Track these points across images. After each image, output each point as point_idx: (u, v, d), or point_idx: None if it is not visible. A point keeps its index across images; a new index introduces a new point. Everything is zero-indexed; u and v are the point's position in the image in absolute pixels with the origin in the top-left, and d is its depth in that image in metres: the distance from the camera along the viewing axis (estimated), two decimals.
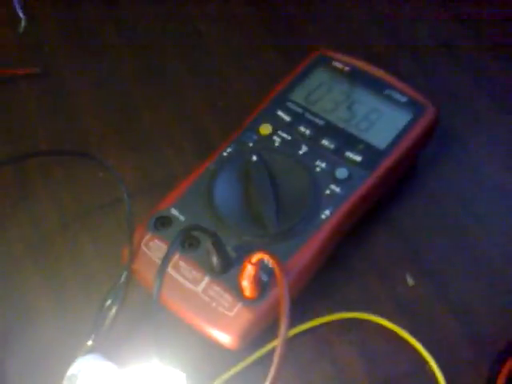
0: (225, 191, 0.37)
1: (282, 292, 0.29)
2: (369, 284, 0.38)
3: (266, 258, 0.31)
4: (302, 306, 0.36)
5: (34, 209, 0.42)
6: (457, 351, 0.36)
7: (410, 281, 0.38)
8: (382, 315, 0.37)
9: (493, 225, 0.40)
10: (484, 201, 0.41)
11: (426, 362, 0.35)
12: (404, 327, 0.36)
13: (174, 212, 0.37)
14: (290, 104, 0.40)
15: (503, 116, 0.45)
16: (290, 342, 0.30)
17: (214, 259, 0.33)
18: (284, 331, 0.27)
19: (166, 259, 0.30)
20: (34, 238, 0.41)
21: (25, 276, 0.39)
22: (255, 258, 0.31)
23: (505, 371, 0.34)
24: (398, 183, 0.41)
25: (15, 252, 0.40)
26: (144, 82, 0.49)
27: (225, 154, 0.39)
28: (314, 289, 0.37)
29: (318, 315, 0.37)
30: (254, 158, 0.38)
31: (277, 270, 0.29)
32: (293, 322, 0.30)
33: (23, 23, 0.48)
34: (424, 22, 0.50)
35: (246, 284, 0.32)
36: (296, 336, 0.36)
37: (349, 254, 0.39)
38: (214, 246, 0.33)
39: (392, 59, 0.48)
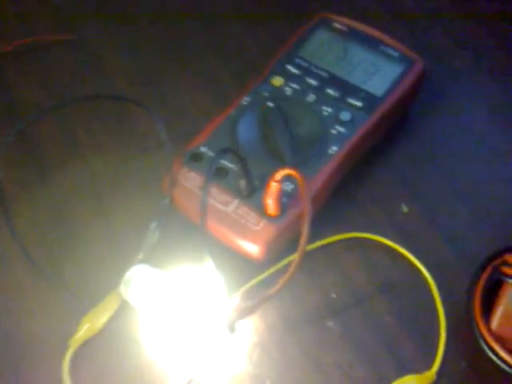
0: (246, 132, 0.43)
1: (304, 197, 0.35)
2: (370, 212, 0.45)
3: (289, 172, 0.37)
4: (313, 229, 0.42)
5: (78, 153, 0.48)
6: (445, 262, 0.43)
7: (405, 209, 0.45)
8: (381, 236, 0.43)
9: (468, 163, 0.47)
10: (462, 143, 0.48)
11: (418, 271, 0.42)
12: (400, 245, 0.43)
13: (204, 149, 0.43)
14: (297, 60, 0.47)
15: (482, 76, 0.52)
16: (304, 257, 0.36)
17: (242, 182, 0.40)
18: (306, 228, 0.34)
19: (208, 175, 0.37)
20: (82, 177, 0.47)
21: (74, 209, 0.46)
22: (279, 174, 0.37)
23: (483, 278, 0.41)
24: (394, 130, 0.48)
25: (64, 191, 0.47)
26: (166, 49, 0.55)
27: (244, 102, 0.45)
28: (323, 215, 0.43)
29: (327, 236, 0.43)
30: (270, 104, 0.44)
31: (299, 181, 0.36)
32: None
33: None
34: None
35: (270, 202, 0.39)
36: (309, 252, 0.42)
37: (353, 188, 0.46)
38: (242, 169, 0.39)
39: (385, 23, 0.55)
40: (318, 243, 0.43)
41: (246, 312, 0.36)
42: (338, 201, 0.45)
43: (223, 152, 0.37)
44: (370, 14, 0.55)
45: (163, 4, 0.57)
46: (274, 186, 0.38)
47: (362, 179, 0.46)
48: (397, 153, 0.48)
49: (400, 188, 0.46)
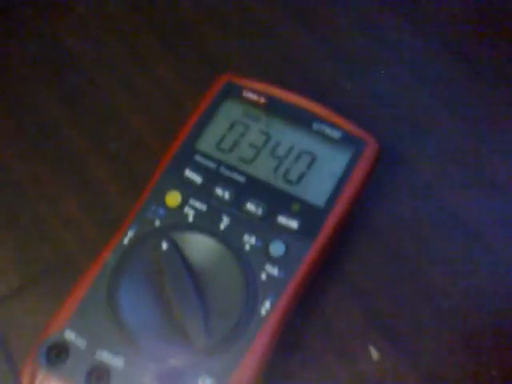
0: (132, 297, 0.28)
1: None
2: (327, 365, 0.32)
3: None
4: None
5: None
6: None
7: (375, 353, 0.32)
8: None
9: (451, 260, 0.34)
10: (439, 231, 0.35)
11: None
12: None
13: (70, 335, 0.28)
14: (198, 158, 0.32)
15: (452, 123, 0.38)
16: None
17: None
18: None
19: None
20: None
21: None
22: None
23: None
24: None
25: None
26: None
27: (126, 241, 0.30)
28: None
29: None
30: (164, 245, 0.29)
31: None
32: None
33: None
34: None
35: None
36: None
37: (299, 329, 0.32)
38: None
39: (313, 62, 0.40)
40: None
41: None
42: (281, 355, 0.31)
43: None
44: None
45: None
46: None
47: (309, 313, 0.33)
48: (351, 261, 0.34)
49: (363, 316, 0.33)
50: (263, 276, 0.29)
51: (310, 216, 0.30)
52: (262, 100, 0.34)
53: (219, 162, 0.32)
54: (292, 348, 0.32)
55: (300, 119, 0.33)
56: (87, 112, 0.40)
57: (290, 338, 0.31)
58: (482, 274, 0.33)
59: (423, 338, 0.32)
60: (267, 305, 0.29)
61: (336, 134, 0.32)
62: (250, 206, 0.31)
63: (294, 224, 0.30)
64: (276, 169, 0.32)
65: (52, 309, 0.30)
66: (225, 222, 0.30)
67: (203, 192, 0.31)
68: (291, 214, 0.30)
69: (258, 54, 0.40)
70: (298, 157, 0.32)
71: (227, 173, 0.32)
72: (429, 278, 0.33)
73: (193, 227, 0.30)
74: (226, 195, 0.31)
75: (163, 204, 0.31)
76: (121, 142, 0.39)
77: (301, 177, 0.32)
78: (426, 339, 0.32)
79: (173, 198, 0.31)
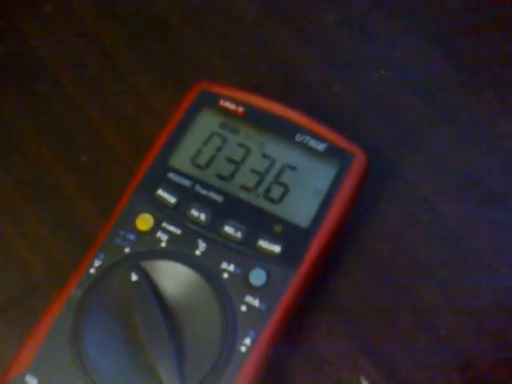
0: (98, 336, 0.26)
1: None
2: None
3: None
4: None
5: None
6: None
7: None
8: None
9: (448, 282, 0.32)
10: (435, 251, 0.33)
11: None
12: None
13: (31, 380, 0.25)
14: (171, 175, 0.29)
15: (448, 129, 0.35)
16: None
17: None
18: None
19: None
20: None
21: None
22: None
23: None
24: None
25: None
26: None
27: (92, 270, 0.27)
28: None
29: None
30: (134, 276, 0.27)
31: None
32: None
33: None
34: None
35: None
36: None
37: (285, 360, 0.30)
38: None
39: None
40: None
41: None
42: None
43: None
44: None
45: None
46: None
47: (295, 341, 0.30)
48: (339, 284, 0.31)
49: (354, 345, 0.31)
50: (243, 308, 0.27)
51: (294, 239, 0.28)
52: (241, 109, 0.31)
53: (195, 180, 0.29)
54: (278, 382, 0.29)
55: (282, 130, 0.30)
56: (55, 121, 0.37)
57: (274, 370, 0.29)
58: (482, 295, 0.31)
59: (418, 368, 0.29)
60: (248, 341, 0.26)
61: (321, 146, 0.30)
62: (229, 229, 0.28)
63: (276, 248, 0.28)
64: (256, 186, 0.29)
65: (19, 343, 0.27)
66: (201, 247, 0.28)
67: (177, 214, 0.28)
68: (273, 237, 0.28)
69: (240, 56, 0.37)
70: (280, 172, 0.30)
71: (203, 192, 0.29)
72: (425, 302, 0.30)
73: (166, 254, 0.27)
74: (203, 217, 0.28)
75: (133, 228, 0.28)
76: (92, 154, 0.36)
77: (283, 194, 0.29)
78: (421, 369, 0.29)
79: (144, 222, 0.28)
